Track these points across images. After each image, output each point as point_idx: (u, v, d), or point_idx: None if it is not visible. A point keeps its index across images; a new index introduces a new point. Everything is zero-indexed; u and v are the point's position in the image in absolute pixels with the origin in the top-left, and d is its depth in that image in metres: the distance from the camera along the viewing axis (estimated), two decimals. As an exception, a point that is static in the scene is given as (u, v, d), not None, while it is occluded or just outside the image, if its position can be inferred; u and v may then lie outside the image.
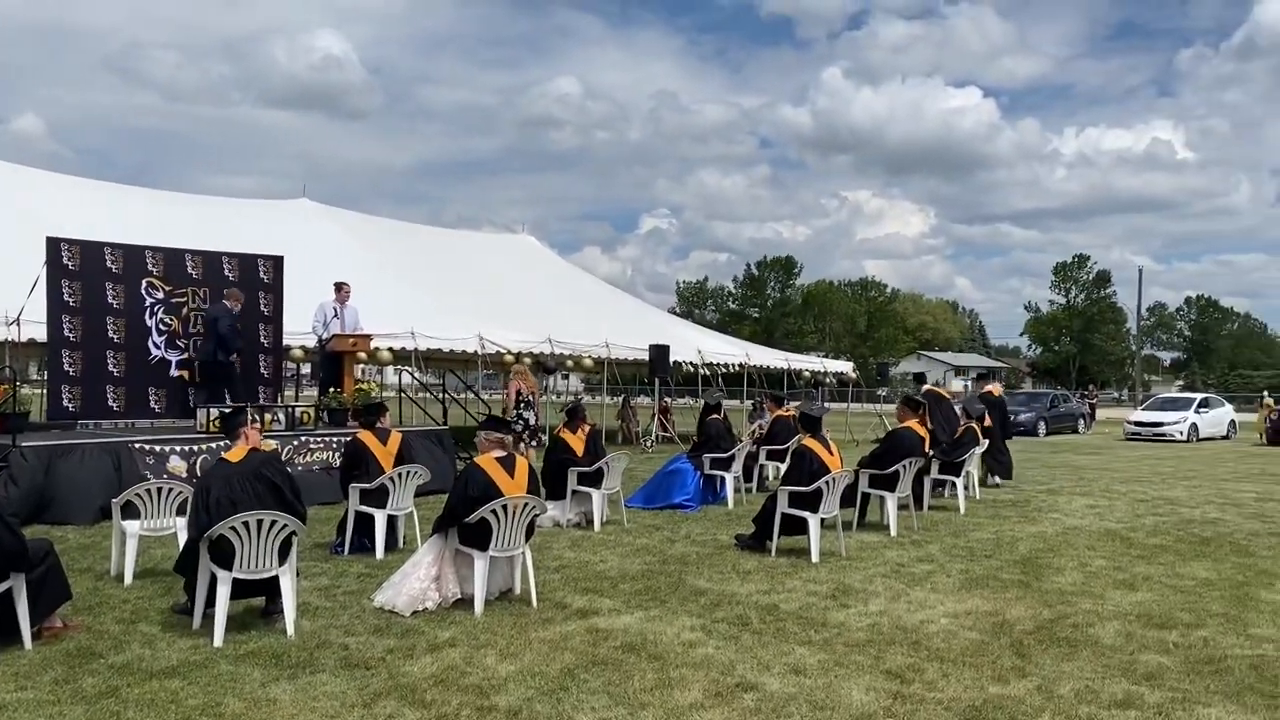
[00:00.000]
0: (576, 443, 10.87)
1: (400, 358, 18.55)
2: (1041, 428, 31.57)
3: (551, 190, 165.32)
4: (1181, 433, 29.53)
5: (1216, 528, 11.35)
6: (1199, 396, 34.05)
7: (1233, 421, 32.70)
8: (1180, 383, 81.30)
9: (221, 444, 11.32)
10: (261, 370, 14.13)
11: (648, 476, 13.26)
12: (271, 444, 7.16)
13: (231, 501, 6.20)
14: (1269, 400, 33.13)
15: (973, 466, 13.37)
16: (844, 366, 31.79)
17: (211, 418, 11.73)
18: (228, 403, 11.99)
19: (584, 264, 57.74)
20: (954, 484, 12.43)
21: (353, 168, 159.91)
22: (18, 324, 12.93)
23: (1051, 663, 5.81)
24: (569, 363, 22.21)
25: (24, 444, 10.44)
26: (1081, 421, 34.87)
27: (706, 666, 5.62)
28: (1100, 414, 41.45)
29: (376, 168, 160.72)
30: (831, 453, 9.30)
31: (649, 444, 22.82)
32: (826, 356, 40.83)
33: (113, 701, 4.91)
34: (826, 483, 8.91)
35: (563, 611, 6.87)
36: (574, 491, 10.74)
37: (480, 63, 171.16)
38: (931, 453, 12.10)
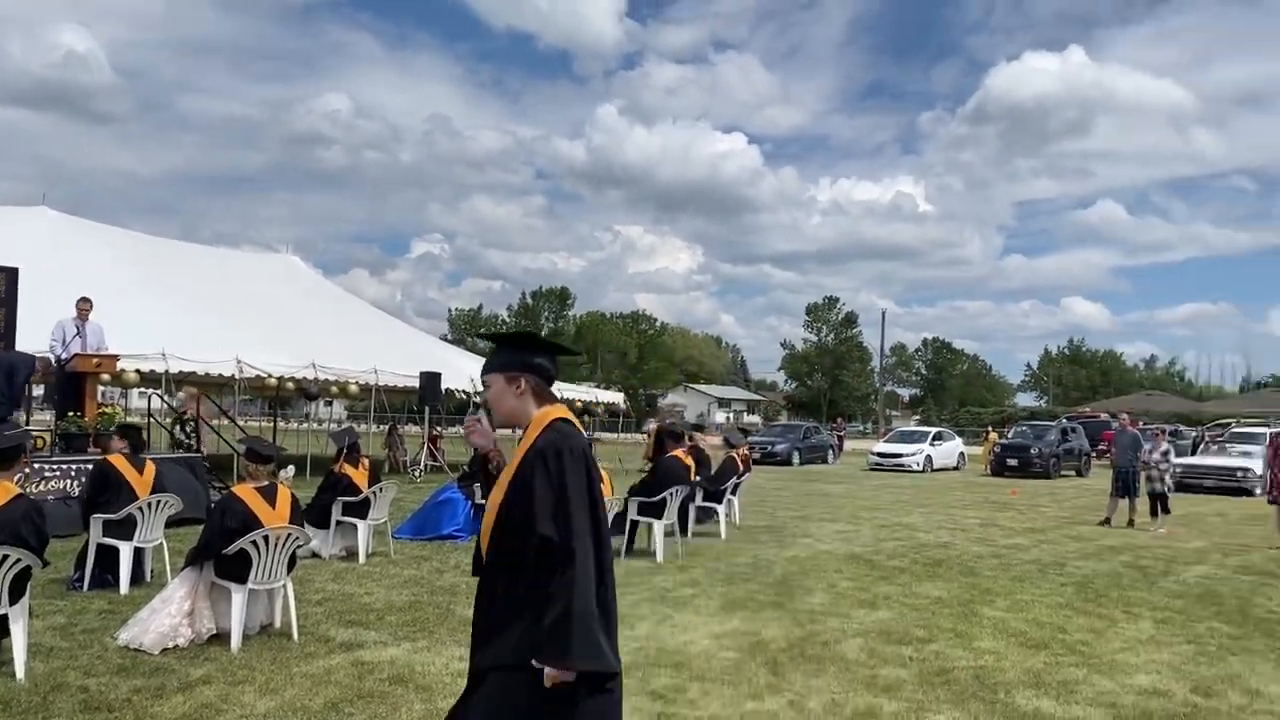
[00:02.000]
0: (360, 477, 10.57)
1: (149, 380, 17.37)
2: (796, 457, 33.39)
3: (318, 210, 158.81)
4: (918, 464, 31.88)
5: (947, 551, 12.40)
6: (933, 431, 36.91)
7: (962, 454, 35.63)
8: (917, 417, 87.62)
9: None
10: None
11: (416, 507, 13.05)
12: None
13: None
14: (993, 435, 36.51)
15: (735, 495, 13.98)
16: (615, 397, 32.41)
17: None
18: None
19: (351, 287, 56.15)
20: (717, 511, 12.96)
21: (98, 175, 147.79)
22: None
23: (802, 679, 6.19)
24: (333, 388, 21.54)
25: None
26: (831, 452, 37.06)
27: (476, 695, 5.62)
28: (847, 445, 44.11)
29: (125, 176, 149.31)
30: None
31: (417, 473, 22.40)
32: (598, 387, 41.42)
33: None
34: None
35: (326, 645, 6.68)
36: (338, 522, 10.43)
37: (247, 75, 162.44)
38: (697, 479, 12.58)
